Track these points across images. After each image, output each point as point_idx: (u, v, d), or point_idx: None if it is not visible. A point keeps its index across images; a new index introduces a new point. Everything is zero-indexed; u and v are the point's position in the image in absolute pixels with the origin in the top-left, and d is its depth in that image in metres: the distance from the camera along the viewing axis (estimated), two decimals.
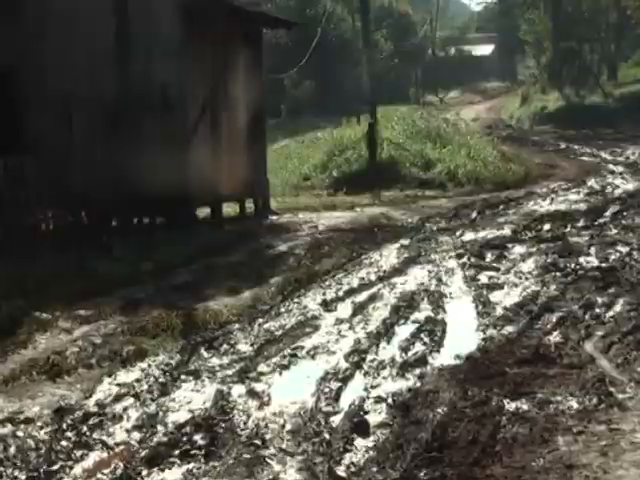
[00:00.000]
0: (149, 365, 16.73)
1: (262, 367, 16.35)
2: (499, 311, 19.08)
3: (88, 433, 13.61)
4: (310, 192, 42.36)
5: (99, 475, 12.12)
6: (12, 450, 12.96)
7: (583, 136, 61.64)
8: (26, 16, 28.28)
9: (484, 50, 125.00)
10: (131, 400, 14.94)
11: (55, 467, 12.46)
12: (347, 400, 14.33)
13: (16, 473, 12.27)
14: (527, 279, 21.65)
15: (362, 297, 20.93)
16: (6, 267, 21.68)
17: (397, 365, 15.96)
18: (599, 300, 19.22)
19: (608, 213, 30.60)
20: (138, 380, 15.92)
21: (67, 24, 28.75)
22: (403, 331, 18.10)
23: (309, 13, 76.40)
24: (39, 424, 13.95)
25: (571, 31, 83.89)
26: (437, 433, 12.77)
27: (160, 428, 13.56)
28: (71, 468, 12.42)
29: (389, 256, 25.66)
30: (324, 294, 21.58)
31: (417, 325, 18.40)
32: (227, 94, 32.78)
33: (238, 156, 33.64)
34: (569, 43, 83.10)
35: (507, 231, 28.43)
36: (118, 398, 15.05)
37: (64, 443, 13.22)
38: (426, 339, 17.44)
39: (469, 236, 28.14)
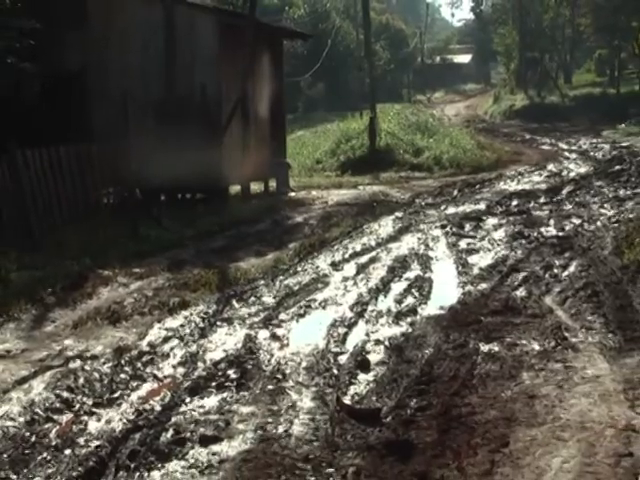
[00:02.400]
0: (191, 313, 16.77)
1: (282, 315, 16.39)
2: (475, 271, 19.07)
3: (142, 368, 13.67)
4: (321, 173, 42.36)
5: (151, 402, 12.16)
6: (81, 381, 13.02)
7: (544, 129, 61.49)
8: (93, 28, 28.26)
9: (463, 59, 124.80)
10: (176, 341, 14.99)
11: (115, 395, 12.52)
12: (352, 342, 14.36)
13: (84, 399, 12.34)
14: (498, 245, 21.65)
15: (364, 259, 20.93)
16: (75, 234, 21.70)
17: (392, 314, 15.98)
18: (557, 262, 19.21)
19: (564, 192, 30.57)
20: (182, 325, 15.97)
21: (125, 35, 28.75)
22: (397, 287, 18.10)
23: (321, 27, 76.11)
24: (102, 360, 14.01)
25: (534, 43, 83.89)
26: (425, 370, 12.80)
27: (200, 364, 13.61)
28: (128, 396, 12.48)
29: (386, 226, 25.64)
30: (333, 256, 21.59)
31: (409, 282, 18.41)
32: (254, 93, 32.78)
33: (263, 143, 33.67)
34: (533, 53, 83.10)
35: (482, 206, 28.40)
36: (166, 340, 15.11)
37: (122, 376, 13.28)
38: (416, 293, 17.44)
39: (451, 210, 28.12)
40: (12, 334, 15.94)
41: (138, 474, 9.74)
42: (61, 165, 23.62)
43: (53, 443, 10.93)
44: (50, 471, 10.11)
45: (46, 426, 11.50)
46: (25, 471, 10.12)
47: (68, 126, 24.99)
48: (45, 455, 10.56)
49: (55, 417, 11.80)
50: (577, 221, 24.09)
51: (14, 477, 9.99)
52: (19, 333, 16.02)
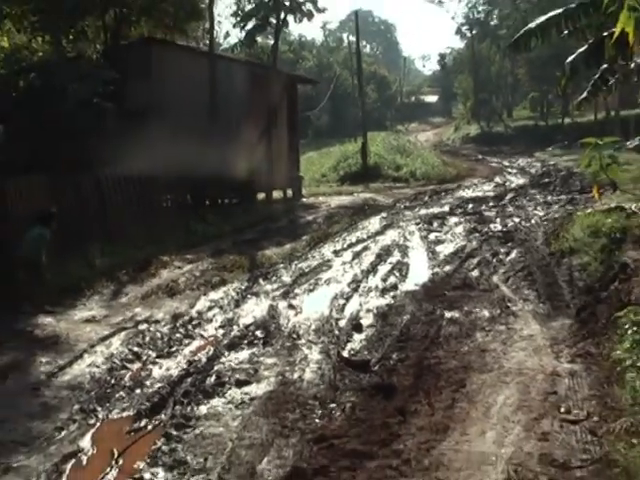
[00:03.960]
0: (228, 289, 16.79)
1: (297, 290, 16.39)
2: (441, 257, 19.04)
3: (192, 329, 13.72)
4: (326, 184, 42.33)
5: (199, 354, 12.20)
6: (147, 339, 13.06)
7: (492, 151, 61.45)
8: (155, 77, 28.21)
9: (432, 98, 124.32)
10: (217, 310, 15.03)
11: (172, 349, 12.58)
12: (349, 311, 14.38)
13: (150, 352, 12.39)
14: (458, 238, 21.60)
15: (358, 248, 20.90)
16: (142, 228, 21.70)
17: (379, 290, 15.98)
18: (501, 250, 19.17)
19: (507, 198, 30.51)
20: (222, 298, 15.99)
21: (178, 83, 28.72)
22: (383, 269, 18.08)
23: (325, 75, 76.25)
24: (162, 323, 14.05)
25: (484, 87, 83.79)
26: (403, 331, 12.82)
27: (235, 327, 13.65)
28: (182, 350, 12.55)
29: (374, 223, 25.60)
30: (334, 246, 21.57)
31: (391, 265, 18.38)
32: (276, 123, 32.80)
33: (282, 161, 33.68)
34: (483, 94, 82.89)
35: (446, 208, 28.34)
36: (210, 308, 15.15)
37: (177, 335, 13.32)
38: (397, 274, 17.43)
39: (423, 211, 28.07)
40: (97, 304, 16.00)
41: (190, 407, 9.82)
42: (132, 179, 23.63)
43: (127, 384, 11.01)
44: (125, 405, 10.21)
45: (122, 372, 11.57)
46: (107, 404, 10.22)
47: (138, 149, 24.97)
48: (121, 393, 10.64)
49: (128, 365, 11.87)
50: (517, 219, 24.05)
51: (99, 408, 10.07)
52: (102, 303, 16.08)
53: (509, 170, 46.01)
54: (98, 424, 9.65)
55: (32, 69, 24.77)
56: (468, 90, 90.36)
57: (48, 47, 27.53)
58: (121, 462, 8.47)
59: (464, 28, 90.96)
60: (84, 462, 8.62)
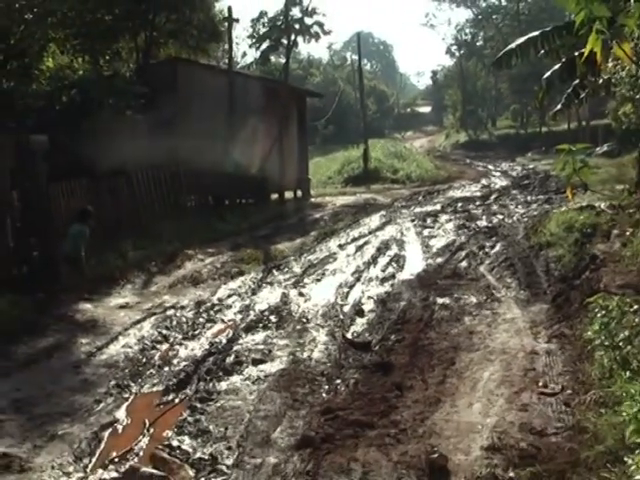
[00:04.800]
0: (245, 279, 16.82)
1: (306, 280, 16.41)
2: (434, 250, 19.03)
3: (213, 314, 13.75)
4: (331, 186, 42.24)
5: (219, 337, 12.23)
6: (174, 323, 13.10)
7: (478, 156, 61.26)
8: (179, 92, 28.23)
9: (425, 110, 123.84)
10: (236, 297, 15.05)
11: (197, 332, 12.61)
12: (352, 298, 14.39)
13: (176, 334, 12.43)
14: (449, 233, 21.57)
15: (360, 242, 20.88)
16: (170, 225, 21.71)
17: (379, 279, 15.99)
18: (487, 244, 19.14)
19: (492, 198, 30.42)
20: (239, 286, 16.03)
21: (201, 97, 28.76)
22: (382, 261, 18.07)
23: (331, 89, 76.07)
24: (187, 309, 14.07)
25: (471, 100, 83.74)
26: (400, 315, 12.83)
27: (251, 312, 13.67)
28: (205, 332, 12.61)
29: (374, 220, 25.57)
30: (339, 241, 21.56)
31: (390, 257, 18.37)
32: (287, 131, 32.79)
33: (292, 165, 33.64)
34: (470, 106, 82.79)
35: (438, 207, 28.26)
36: (229, 296, 15.16)
37: (201, 319, 13.36)
38: (395, 265, 17.43)
39: (418, 209, 27.99)
40: (130, 292, 16.04)
41: (212, 383, 9.85)
42: (160, 180, 23.71)
43: (157, 363, 11.04)
44: (155, 381, 10.25)
45: (152, 352, 11.60)
46: (139, 380, 10.26)
47: (165, 155, 25.03)
48: (152, 370, 10.68)
49: (157, 346, 11.90)
50: (500, 217, 24.00)
51: (132, 384, 10.12)
52: (134, 291, 16.12)
53: (494, 173, 45.87)
54: (131, 398, 9.71)
55: (73, 86, 24.84)
56: (457, 102, 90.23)
57: (87, 66, 27.63)
58: (152, 431, 8.52)
59: (453, 48, 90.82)
60: (119, 431, 8.68)
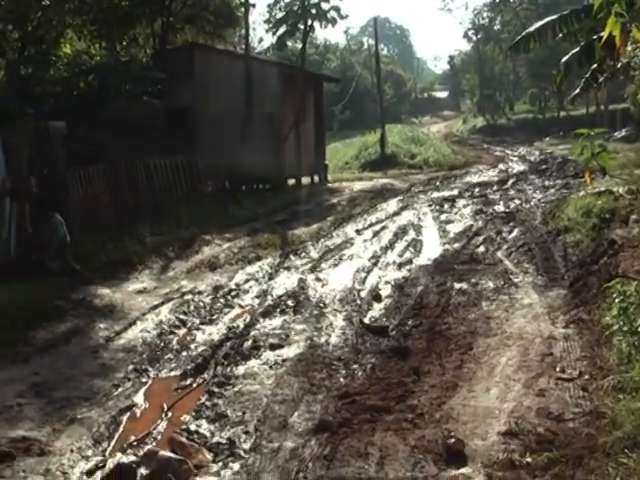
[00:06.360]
0: (262, 264, 16.85)
1: (323, 265, 16.43)
2: (451, 235, 18.99)
3: (231, 299, 13.80)
4: (348, 171, 42.09)
5: (237, 321, 12.26)
6: (192, 307, 13.16)
7: (496, 141, 60.91)
8: (197, 77, 28.29)
9: (442, 95, 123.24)
10: (253, 282, 15.10)
11: (214, 317, 12.67)
12: (369, 283, 14.40)
13: (194, 319, 12.49)
14: (466, 218, 21.51)
15: (377, 227, 20.87)
16: (187, 211, 21.76)
17: (396, 264, 15.98)
18: (504, 229, 19.09)
19: (509, 182, 30.30)
20: (257, 271, 16.07)
21: (218, 82, 28.75)
22: (399, 246, 18.06)
23: (348, 74, 75.83)
24: (205, 294, 14.14)
25: (489, 84, 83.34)
26: (417, 300, 12.83)
27: (269, 297, 13.70)
28: (222, 317, 12.68)
29: (392, 205, 25.53)
30: (356, 226, 21.56)
31: (407, 242, 18.35)
32: (304, 117, 32.65)
33: (310, 150, 33.55)
34: (488, 91, 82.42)
35: (455, 192, 28.17)
36: (246, 281, 15.22)
37: (218, 304, 13.41)
38: (412, 250, 17.41)
39: (435, 194, 27.91)
40: (147, 277, 16.11)
41: (229, 368, 9.88)
42: (177, 167, 23.72)
43: (174, 347, 11.10)
44: (173, 365, 10.30)
45: (170, 336, 11.66)
46: (157, 365, 10.32)
47: (182, 141, 25.06)
48: (169, 355, 10.73)
49: (175, 331, 11.97)
50: (518, 202, 23.90)
51: (150, 368, 10.18)
52: (152, 277, 16.18)
53: (511, 158, 45.66)
54: (149, 382, 9.75)
55: (90, 72, 24.88)
56: (474, 87, 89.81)
57: (104, 52, 27.65)
58: (170, 415, 8.56)
59: (470, 32, 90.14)
60: (138, 415, 8.73)
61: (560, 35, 18.59)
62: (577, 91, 21.09)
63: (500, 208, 23.00)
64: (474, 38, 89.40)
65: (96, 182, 19.47)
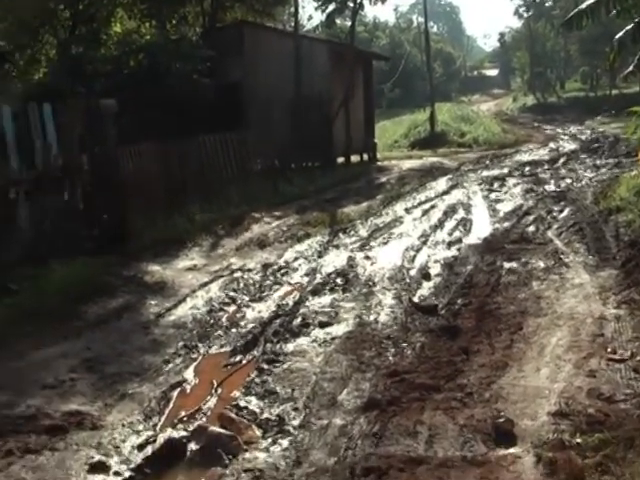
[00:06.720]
0: (312, 242, 16.85)
1: (372, 243, 16.37)
2: (501, 214, 18.82)
3: (280, 277, 13.82)
4: (397, 149, 41.94)
5: (286, 299, 12.30)
6: (241, 285, 13.22)
7: (546, 120, 60.26)
8: (247, 54, 28.36)
9: (492, 72, 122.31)
10: (302, 260, 15.09)
11: (263, 294, 12.70)
12: (418, 261, 14.31)
13: (243, 297, 12.54)
14: (516, 197, 21.30)
15: (426, 206, 20.77)
16: (236, 188, 21.87)
17: (445, 243, 15.86)
18: (555, 208, 18.88)
19: (560, 161, 29.99)
20: (306, 249, 16.07)
21: (267, 60, 28.81)
22: (449, 225, 17.94)
23: (397, 52, 75.59)
24: (255, 272, 14.20)
25: (540, 62, 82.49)
26: (467, 279, 12.74)
27: (318, 275, 13.68)
28: (271, 295, 12.67)
29: (441, 184, 25.38)
30: (406, 204, 21.44)
31: (457, 221, 18.22)
32: (353, 95, 32.57)
33: (359, 129, 33.51)
34: (539, 68, 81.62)
35: (505, 171, 27.93)
36: (296, 259, 15.22)
37: (267, 282, 13.45)
38: (461, 229, 17.28)
39: (485, 173, 27.70)
40: (197, 254, 16.21)
41: (279, 345, 9.89)
42: (227, 144, 23.81)
43: (224, 324, 11.15)
44: (223, 342, 10.36)
45: (219, 313, 11.72)
46: (207, 342, 10.38)
47: (231, 118, 25.16)
48: (219, 332, 10.79)
49: (225, 308, 12.02)
50: (569, 181, 23.64)
51: (200, 344, 10.25)
52: (201, 254, 16.28)
53: (562, 137, 45.17)
54: (199, 358, 9.82)
55: (140, 50, 25.09)
56: (525, 65, 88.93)
57: (154, 31, 27.84)
58: (219, 391, 8.62)
59: (521, 9, 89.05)
60: (188, 390, 8.79)
61: (614, 12, 18.34)
62: (630, 69, 20.75)
63: (551, 187, 22.74)
64: (525, 15, 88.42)
65: (146, 160, 19.63)
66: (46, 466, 6.91)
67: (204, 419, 7.86)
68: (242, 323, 11.15)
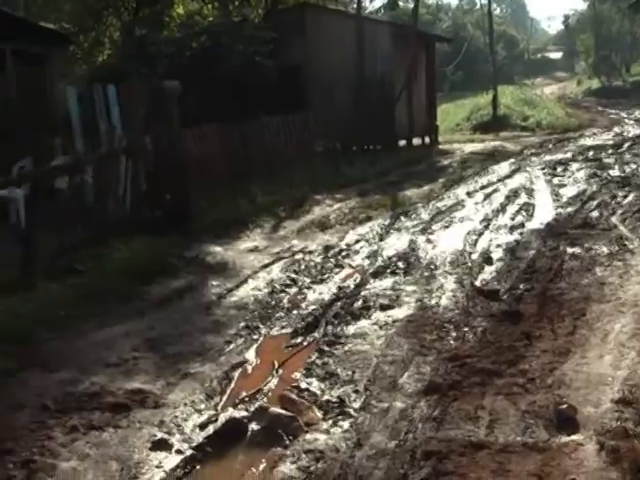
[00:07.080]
0: (373, 225, 16.82)
1: (434, 227, 16.28)
2: (564, 199, 18.59)
3: (341, 259, 13.82)
4: (459, 133, 41.68)
5: (347, 281, 12.30)
6: (302, 267, 13.25)
7: (611, 104, 59.34)
8: (309, 36, 28.37)
9: (556, 55, 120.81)
10: (363, 243, 15.07)
11: (325, 276, 12.70)
12: (480, 245, 14.20)
13: (305, 279, 12.57)
14: (579, 182, 21.03)
15: (488, 190, 20.60)
16: (298, 170, 21.93)
17: (507, 227, 15.72)
18: (619, 194, 18.60)
19: (625, 146, 29.55)
20: (367, 232, 16.04)
21: (330, 40, 28.79)
22: (511, 209, 17.78)
23: (460, 35, 75.04)
24: (316, 254, 14.21)
25: (605, 45, 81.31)
26: (529, 264, 12.61)
27: (379, 258, 13.65)
28: (332, 277, 12.66)
29: (503, 168, 25.16)
30: (467, 188, 21.29)
31: (519, 206, 18.03)
32: (416, 78, 32.42)
33: (421, 112, 33.34)
34: (604, 52, 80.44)
35: (569, 155, 27.60)
36: (357, 241, 15.20)
37: (329, 264, 13.45)
38: (524, 213, 17.10)
39: (548, 157, 27.39)
40: (258, 236, 16.30)
41: (340, 327, 9.90)
42: (289, 126, 23.89)
43: (285, 306, 11.19)
44: (284, 324, 10.38)
45: (280, 295, 11.76)
46: (268, 323, 10.42)
47: (293, 100, 25.20)
48: (280, 313, 10.83)
49: (286, 289, 12.04)
50: (634, 166, 23.26)
51: (262, 326, 10.30)
52: (263, 236, 16.37)
53: (626, 121, 44.46)
54: (261, 339, 9.87)
55: (203, 32, 25.25)
56: (590, 48, 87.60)
57: (216, 13, 27.94)
58: (280, 372, 8.66)
59: None
60: (249, 371, 8.85)
61: None
62: None
63: (615, 172, 22.40)
64: None
65: (209, 141, 19.76)
66: (109, 443, 7.02)
67: (265, 400, 7.90)
68: (303, 305, 11.18)
